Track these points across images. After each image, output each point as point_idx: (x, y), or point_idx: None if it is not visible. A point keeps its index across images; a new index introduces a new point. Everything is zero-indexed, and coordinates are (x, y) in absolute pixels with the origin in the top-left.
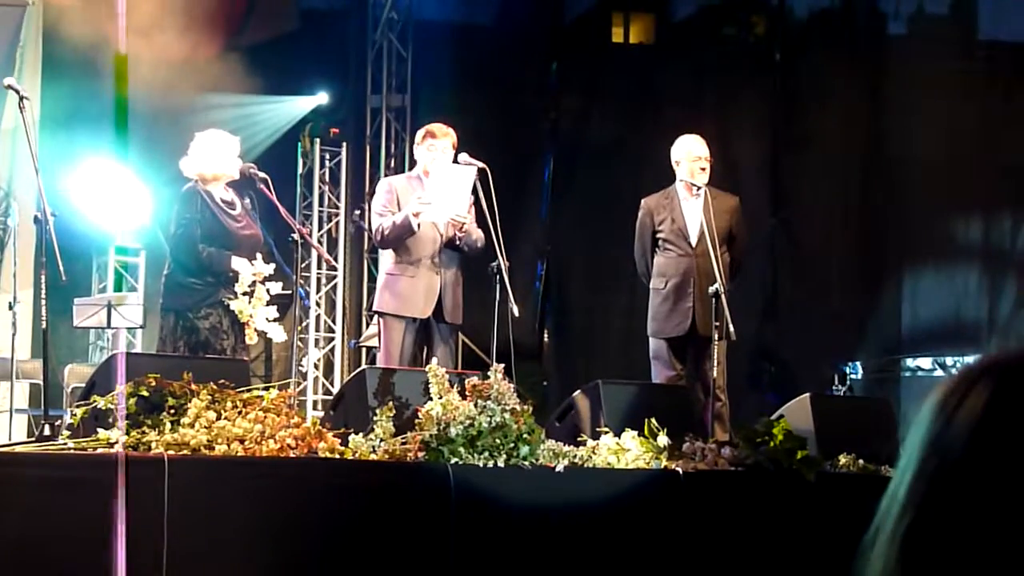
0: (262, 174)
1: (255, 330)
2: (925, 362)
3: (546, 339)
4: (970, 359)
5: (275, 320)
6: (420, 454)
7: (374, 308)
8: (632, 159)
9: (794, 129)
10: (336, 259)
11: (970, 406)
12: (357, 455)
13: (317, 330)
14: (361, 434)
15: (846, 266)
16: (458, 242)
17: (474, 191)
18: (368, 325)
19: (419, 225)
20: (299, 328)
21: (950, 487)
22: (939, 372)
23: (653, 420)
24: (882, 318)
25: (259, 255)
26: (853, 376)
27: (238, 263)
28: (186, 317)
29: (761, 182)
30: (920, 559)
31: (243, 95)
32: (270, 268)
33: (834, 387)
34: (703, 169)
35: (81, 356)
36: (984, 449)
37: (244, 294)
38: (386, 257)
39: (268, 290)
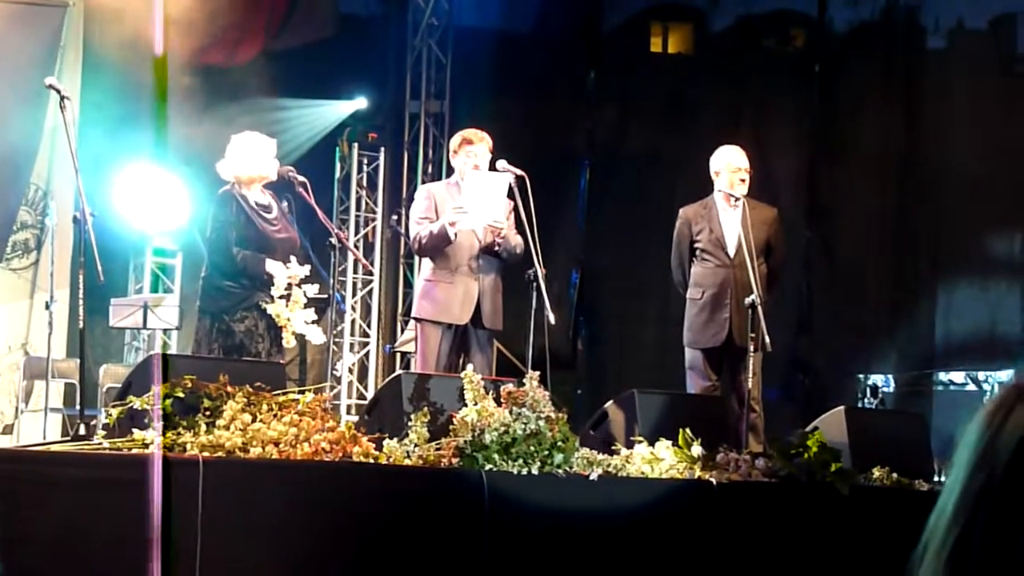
0: (301, 177)
1: (293, 333)
2: (958, 376)
3: (580, 347)
4: (1004, 374)
5: (312, 323)
6: (454, 460)
7: (413, 315)
8: (668, 169)
9: (831, 142)
10: (372, 264)
11: (1015, 422)
12: (391, 460)
13: (352, 334)
14: (396, 439)
15: (880, 279)
16: (497, 248)
17: (511, 197)
18: (403, 330)
19: (456, 234)
20: (334, 332)
21: (997, 502)
22: (972, 387)
23: (687, 430)
24: (916, 331)
25: (293, 258)
26: (885, 389)
27: (272, 266)
28: (222, 320)
29: (797, 194)
30: (968, 573)
31: (282, 99)
32: (305, 270)
33: (866, 400)
34: (743, 180)
35: (116, 356)
36: None
37: (280, 297)
38: (424, 264)
39: (305, 292)
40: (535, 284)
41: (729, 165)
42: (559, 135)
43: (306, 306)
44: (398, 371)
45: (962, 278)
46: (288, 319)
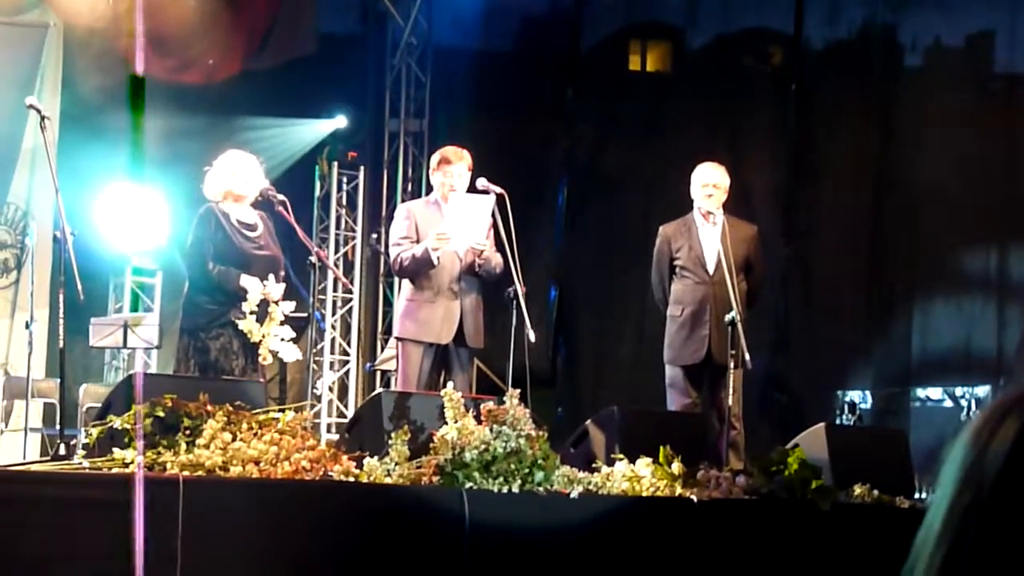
0: (280, 196)
1: (269, 350)
2: (935, 392)
3: (559, 365)
4: (980, 390)
5: (290, 341)
6: (435, 479)
7: (394, 334)
8: (646, 187)
9: (808, 160)
10: (352, 282)
11: (1001, 438)
12: (372, 479)
13: (332, 353)
14: (376, 457)
15: (857, 296)
16: (477, 268)
17: (491, 216)
18: (383, 348)
19: (439, 258)
20: (314, 351)
21: (984, 519)
22: (949, 403)
23: (668, 447)
24: (893, 348)
25: (272, 276)
26: (863, 406)
27: (247, 281)
28: (198, 337)
29: (775, 212)
30: None
31: (262, 117)
32: (280, 288)
33: (844, 416)
34: (709, 196)
35: (96, 376)
36: (1017, 480)
37: (251, 313)
38: (405, 283)
39: (283, 311)
40: (515, 302)
41: (698, 180)
42: (537, 153)
43: (284, 324)
44: (378, 389)
45: (938, 295)
46: (262, 336)
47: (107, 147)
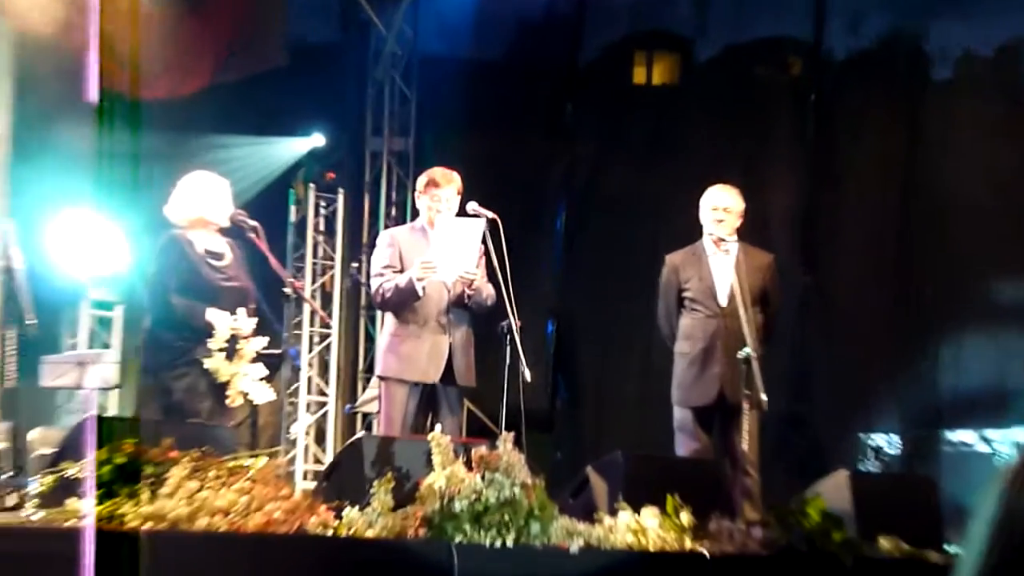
0: (252, 222)
1: (238, 391)
2: (968, 436)
3: (557, 406)
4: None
5: (261, 380)
6: (421, 531)
7: (376, 372)
8: (652, 211)
9: (829, 179)
10: (330, 316)
11: None
12: (352, 531)
13: (308, 393)
14: (356, 508)
15: (882, 329)
16: (467, 300)
17: (482, 243)
18: (364, 388)
19: (424, 288)
20: (288, 391)
21: (1017, 566)
22: (982, 447)
23: (676, 496)
24: (921, 386)
25: (241, 309)
26: (889, 450)
27: (214, 315)
28: (161, 376)
29: (792, 237)
30: None
31: (231, 135)
32: (251, 323)
33: (868, 461)
34: (719, 221)
35: (49, 419)
36: None
37: (220, 350)
38: (388, 317)
39: (254, 347)
40: (509, 337)
41: (708, 204)
42: (533, 174)
43: (255, 361)
44: (359, 433)
45: (970, 327)
46: (230, 375)
47: (63, 169)
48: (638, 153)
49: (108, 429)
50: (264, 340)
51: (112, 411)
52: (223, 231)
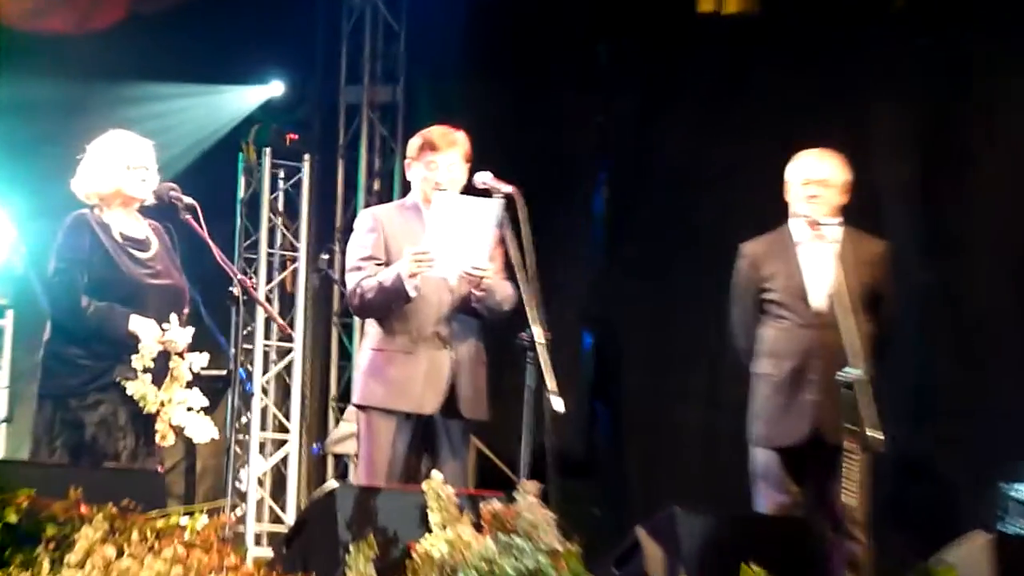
0: (187, 199)
1: (170, 425)
2: None
3: (597, 444)
4: None
5: (200, 411)
6: None
7: (354, 400)
8: (720, 186)
9: (955, 144)
10: (292, 324)
11: None
12: None
13: (264, 429)
14: None
15: None
16: (475, 303)
17: (498, 227)
18: (337, 422)
19: (417, 287)
20: (237, 425)
21: None
22: None
23: (755, 567)
24: None
25: (174, 316)
26: None
27: (138, 324)
28: (66, 406)
29: (910, 220)
30: None
31: (159, 84)
32: (187, 334)
33: (1013, 519)
34: (813, 198)
35: None
36: None
37: (146, 371)
38: (370, 326)
39: (191, 366)
40: (532, 354)
41: (797, 175)
42: (562, 135)
43: (192, 386)
44: (331, 482)
45: None
46: (162, 403)
47: None
48: (701, 109)
49: None
50: (204, 357)
51: (0, 452)
52: (148, 211)
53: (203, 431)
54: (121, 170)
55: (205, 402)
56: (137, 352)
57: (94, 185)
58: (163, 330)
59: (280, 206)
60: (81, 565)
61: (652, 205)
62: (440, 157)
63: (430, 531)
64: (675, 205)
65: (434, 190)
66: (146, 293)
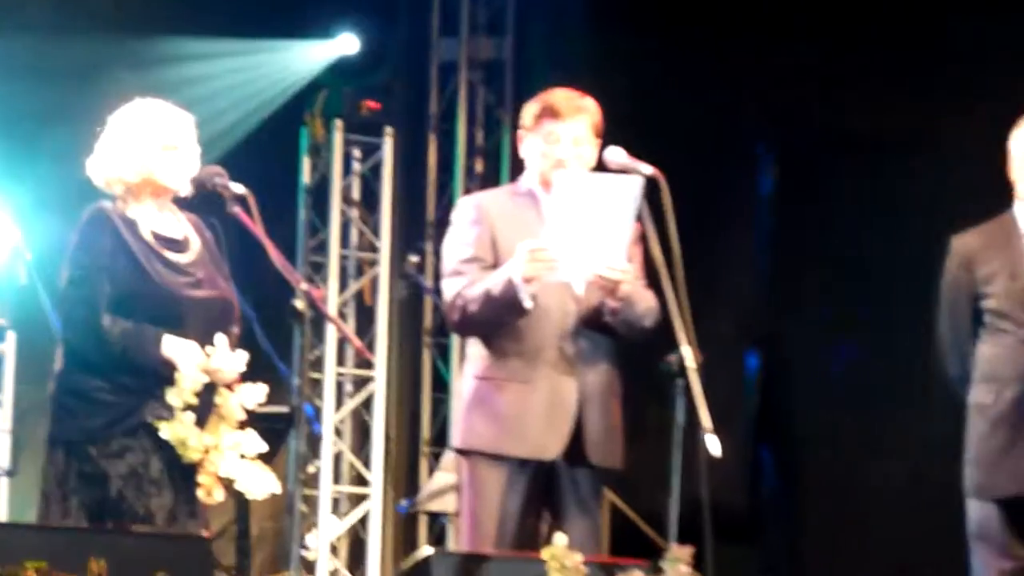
0: (237, 188)
1: (217, 477)
2: None
3: (765, 499)
4: None
5: (256, 459)
6: None
7: (453, 444)
8: (925, 161)
9: None
10: (372, 347)
11: None
12: None
13: (337, 481)
14: None
15: None
16: (609, 316)
17: (638, 220)
18: (431, 472)
19: (534, 296)
20: (303, 476)
21: None
22: None
23: None
24: None
25: (222, 337)
26: None
27: (176, 348)
28: (84, 454)
29: None
30: None
31: (201, 39)
32: (238, 360)
33: None
34: None
35: None
36: None
37: (186, 408)
38: (474, 347)
39: (243, 402)
40: (681, 382)
41: None
42: (715, 101)
43: (243, 425)
44: (425, 548)
45: None
46: (206, 450)
47: None
48: (894, 64)
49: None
50: (260, 390)
51: (2, 509)
52: (186, 203)
53: (259, 484)
54: (152, 151)
55: (263, 447)
56: (174, 384)
57: (118, 170)
58: (207, 355)
59: (355, 194)
60: None
61: (834, 189)
62: (563, 127)
63: None
64: (865, 188)
65: (555, 169)
66: (185, 308)
